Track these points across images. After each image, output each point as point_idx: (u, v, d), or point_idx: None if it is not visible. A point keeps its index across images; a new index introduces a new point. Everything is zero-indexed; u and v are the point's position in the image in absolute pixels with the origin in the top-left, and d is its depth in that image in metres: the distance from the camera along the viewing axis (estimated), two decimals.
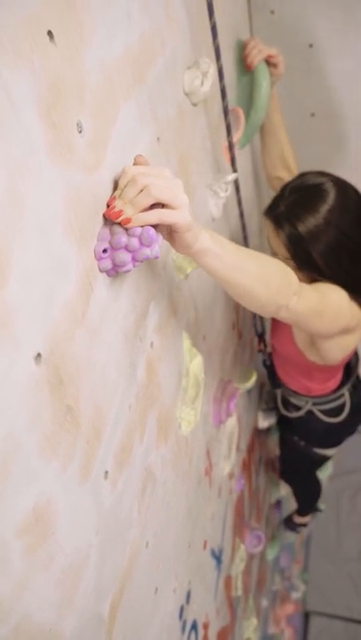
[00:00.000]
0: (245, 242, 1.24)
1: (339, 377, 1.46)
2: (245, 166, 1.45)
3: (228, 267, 0.72)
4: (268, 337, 1.57)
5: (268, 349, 1.57)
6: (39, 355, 0.46)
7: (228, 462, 1.37)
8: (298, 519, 2.24)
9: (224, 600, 1.41)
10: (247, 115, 1.21)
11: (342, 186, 1.12)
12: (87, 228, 0.54)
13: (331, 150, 1.66)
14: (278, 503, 2.45)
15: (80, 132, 0.51)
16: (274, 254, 1.20)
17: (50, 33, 0.45)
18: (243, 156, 1.40)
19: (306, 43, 1.46)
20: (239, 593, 1.57)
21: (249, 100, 1.22)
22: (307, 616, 2.98)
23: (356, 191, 1.14)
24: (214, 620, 1.28)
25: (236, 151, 1.17)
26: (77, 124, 0.50)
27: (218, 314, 1.21)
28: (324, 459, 1.76)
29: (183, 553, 1.00)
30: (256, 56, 1.18)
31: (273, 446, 2.39)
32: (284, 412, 1.62)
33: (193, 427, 0.95)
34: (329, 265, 1.10)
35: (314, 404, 1.49)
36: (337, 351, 1.21)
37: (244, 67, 1.22)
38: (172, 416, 0.88)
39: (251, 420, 1.83)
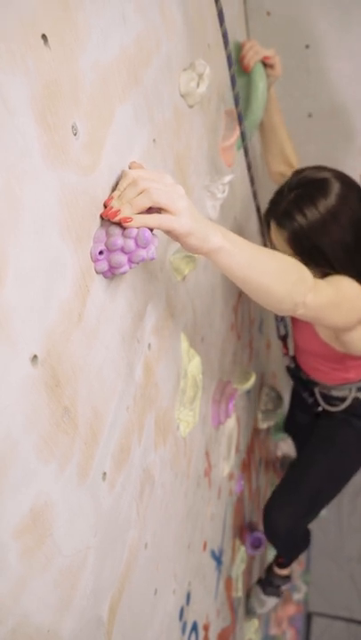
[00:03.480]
0: (263, 239, 1.26)
1: None
2: (244, 167, 1.45)
3: (243, 265, 0.72)
4: (290, 341, 1.55)
5: (291, 352, 1.55)
6: (35, 356, 0.46)
7: (227, 463, 1.37)
8: (280, 571, 1.75)
9: (225, 601, 1.41)
10: (244, 116, 1.21)
11: (343, 177, 1.13)
12: (83, 229, 0.54)
13: (328, 150, 1.66)
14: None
15: (75, 133, 0.51)
16: None
17: (44, 36, 0.45)
18: (241, 157, 1.41)
19: (302, 43, 1.47)
20: (240, 594, 1.57)
21: (246, 102, 1.22)
22: (308, 617, 2.97)
23: (355, 182, 1.14)
24: (215, 622, 1.28)
25: (234, 152, 1.18)
26: (72, 126, 0.51)
27: (216, 315, 1.21)
28: None
29: (183, 554, 0.99)
30: (253, 57, 1.19)
31: (273, 447, 2.39)
32: (328, 407, 1.51)
33: (191, 428, 0.95)
34: (337, 257, 1.10)
35: (358, 389, 1.44)
36: (359, 341, 1.19)
37: (241, 68, 1.22)
38: (171, 417, 0.88)
39: (250, 421, 1.83)
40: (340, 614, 2.93)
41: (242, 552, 1.61)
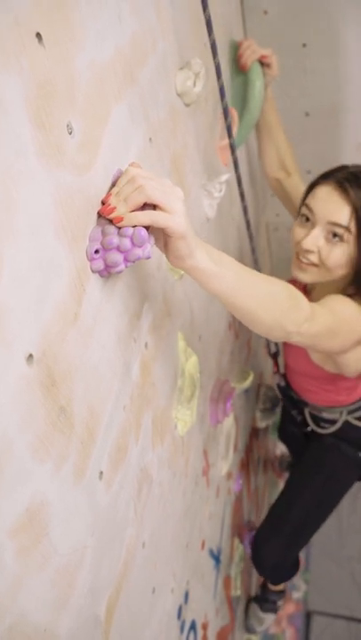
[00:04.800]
0: (249, 233, 1.24)
1: None
2: (241, 167, 1.45)
3: (228, 288, 0.69)
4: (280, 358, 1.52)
5: (282, 370, 1.51)
6: (31, 356, 0.46)
7: (225, 462, 1.37)
8: (275, 587, 1.76)
9: (223, 600, 1.41)
10: (241, 115, 1.22)
11: None
12: (79, 228, 0.54)
13: (325, 149, 1.66)
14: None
15: (70, 133, 0.51)
16: (297, 244, 1.10)
17: (38, 35, 0.45)
18: (238, 157, 1.40)
19: (299, 42, 1.47)
20: (239, 593, 1.57)
21: (243, 101, 1.23)
22: (308, 616, 2.98)
23: None
24: (214, 620, 1.28)
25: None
26: (68, 126, 0.51)
27: (214, 314, 1.21)
28: None
29: (181, 553, 1.00)
30: (250, 56, 1.19)
31: (272, 446, 2.39)
32: (317, 429, 1.47)
33: (189, 427, 0.96)
34: None
35: (349, 412, 1.40)
36: (354, 364, 1.16)
37: (238, 67, 1.22)
38: (168, 416, 0.88)
39: (248, 420, 1.83)
40: (339, 613, 2.94)
41: (240, 551, 1.61)
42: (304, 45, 1.47)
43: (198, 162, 1.00)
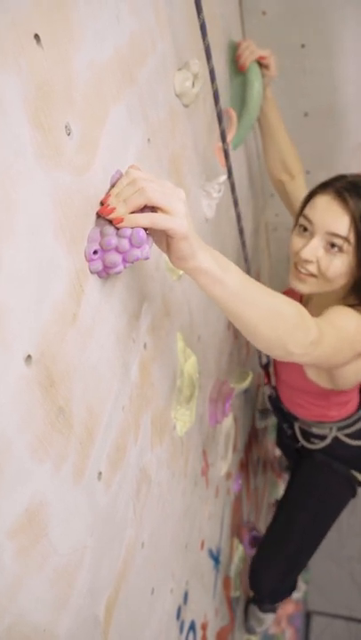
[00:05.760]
0: (242, 244, 1.24)
1: (357, 396, 1.37)
2: (240, 166, 1.45)
3: (229, 294, 0.67)
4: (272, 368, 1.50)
5: (273, 382, 1.49)
6: (30, 356, 0.46)
7: (225, 462, 1.37)
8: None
9: (223, 600, 1.41)
10: (240, 115, 1.22)
11: None
12: (78, 229, 0.54)
13: (324, 149, 1.66)
14: (277, 503, 2.45)
15: (69, 133, 0.51)
16: (295, 253, 1.08)
17: (37, 36, 0.45)
18: (237, 157, 1.41)
19: (298, 43, 1.47)
20: (238, 593, 1.57)
21: (242, 101, 1.23)
22: (308, 616, 2.98)
23: None
24: (213, 621, 1.28)
25: (230, 152, 1.18)
26: (66, 126, 0.51)
27: (213, 314, 1.21)
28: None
29: (180, 553, 1.00)
30: (248, 57, 1.19)
31: (271, 446, 2.39)
32: (307, 445, 1.45)
33: (188, 427, 0.96)
34: None
35: (338, 429, 1.38)
36: (352, 376, 1.14)
37: (237, 68, 1.22)
38: (167, 416, 0.88)
39: (248, 421, 1.83)
40: (339, 613, 2.94)
41: (240, 551, 1.61)
42: (303, 46, 1.47)
43: (197, 162, 1.00)
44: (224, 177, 1.03)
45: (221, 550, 1.39)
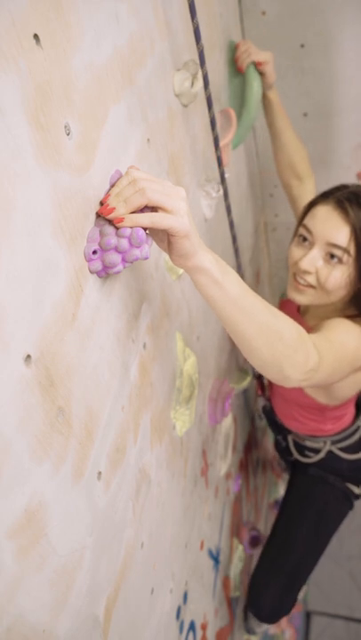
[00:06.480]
0: (235, 247, 1.24)
1: (352, 410, 1.36)
2: (240, 166, 1.45)
3: (227, 299, 0.66)
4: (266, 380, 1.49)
5: (267, 394, 1.47)
6: (29, 356, 0.46)
7: (224, 462, 1.37)
8: None
9: (223, 600, 1.41)
10: (239, 115, 1.22)
11: None
12: (77, 229, 0.54)
13: (324, 149, 1.66)
14: (277, 503, 2.45)
15: (68, 134, 0.51)
16: (293, 264, 1.07)
17: (36, 36, 0.45)
18: (237, 157, 1.41)
19: (297, 43, 1.47)
20: (238, 593, 1.57)
21: (241, 101, 1.23)
22: (308, 616, 2.98)
23: None
24: (213, 621, 1.28)
25: (230, 151, 1.18)
26: (65, 127, 0.51)
27: (212, 314, 1.21)
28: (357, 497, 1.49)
29: (180, 553, 1.00)
30: (245, 60, 1.19)
31: (270, 446, 2.39)
32: (301, 458, 1.43)
33: (188, 427, 0.96)
34: None
35: (333, 442, 1.36)
36: (349, 389, 1.13)
37: (236, 68, 1.22)
38: (167, 416, 0.88)
39: (247, 421, 1.83)
40: (339, 613, 2.94)
41: (240, 551, 1.61)
42: (302, 46, 1.47)
43: (196, 162, 1.00)
44: (227, 175, 1.03)
45: (221, 550, 1.39)
